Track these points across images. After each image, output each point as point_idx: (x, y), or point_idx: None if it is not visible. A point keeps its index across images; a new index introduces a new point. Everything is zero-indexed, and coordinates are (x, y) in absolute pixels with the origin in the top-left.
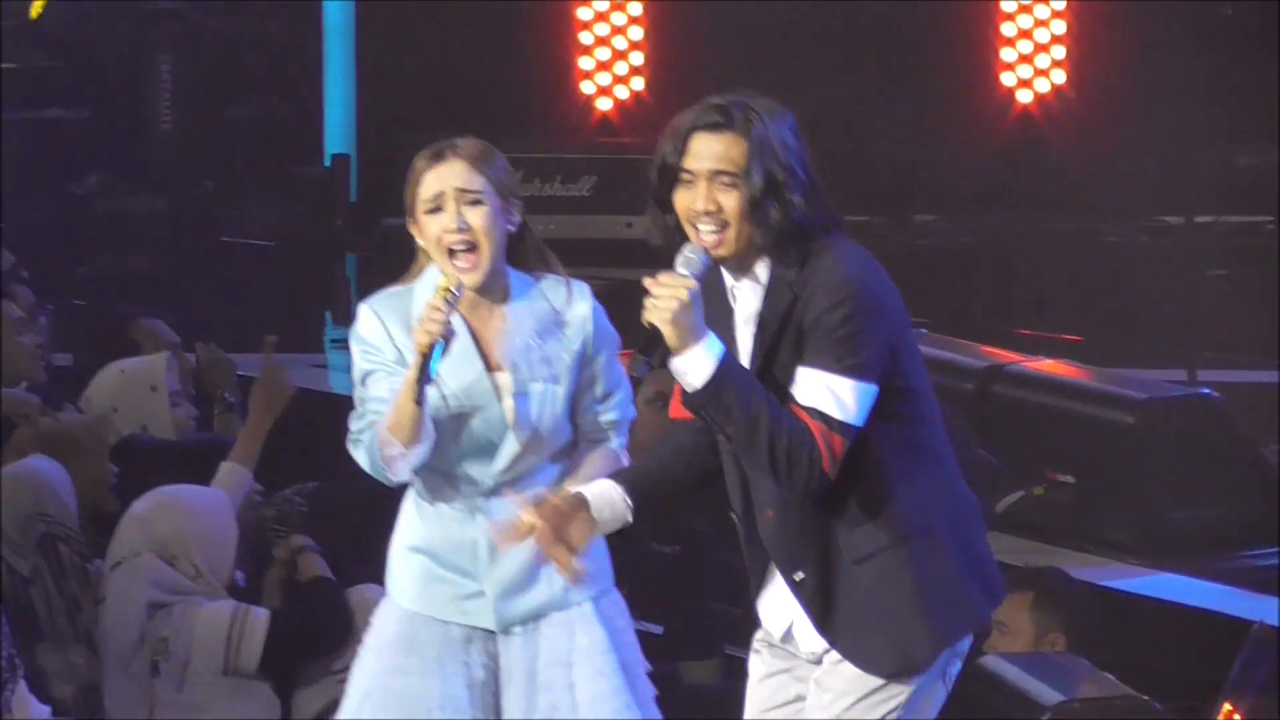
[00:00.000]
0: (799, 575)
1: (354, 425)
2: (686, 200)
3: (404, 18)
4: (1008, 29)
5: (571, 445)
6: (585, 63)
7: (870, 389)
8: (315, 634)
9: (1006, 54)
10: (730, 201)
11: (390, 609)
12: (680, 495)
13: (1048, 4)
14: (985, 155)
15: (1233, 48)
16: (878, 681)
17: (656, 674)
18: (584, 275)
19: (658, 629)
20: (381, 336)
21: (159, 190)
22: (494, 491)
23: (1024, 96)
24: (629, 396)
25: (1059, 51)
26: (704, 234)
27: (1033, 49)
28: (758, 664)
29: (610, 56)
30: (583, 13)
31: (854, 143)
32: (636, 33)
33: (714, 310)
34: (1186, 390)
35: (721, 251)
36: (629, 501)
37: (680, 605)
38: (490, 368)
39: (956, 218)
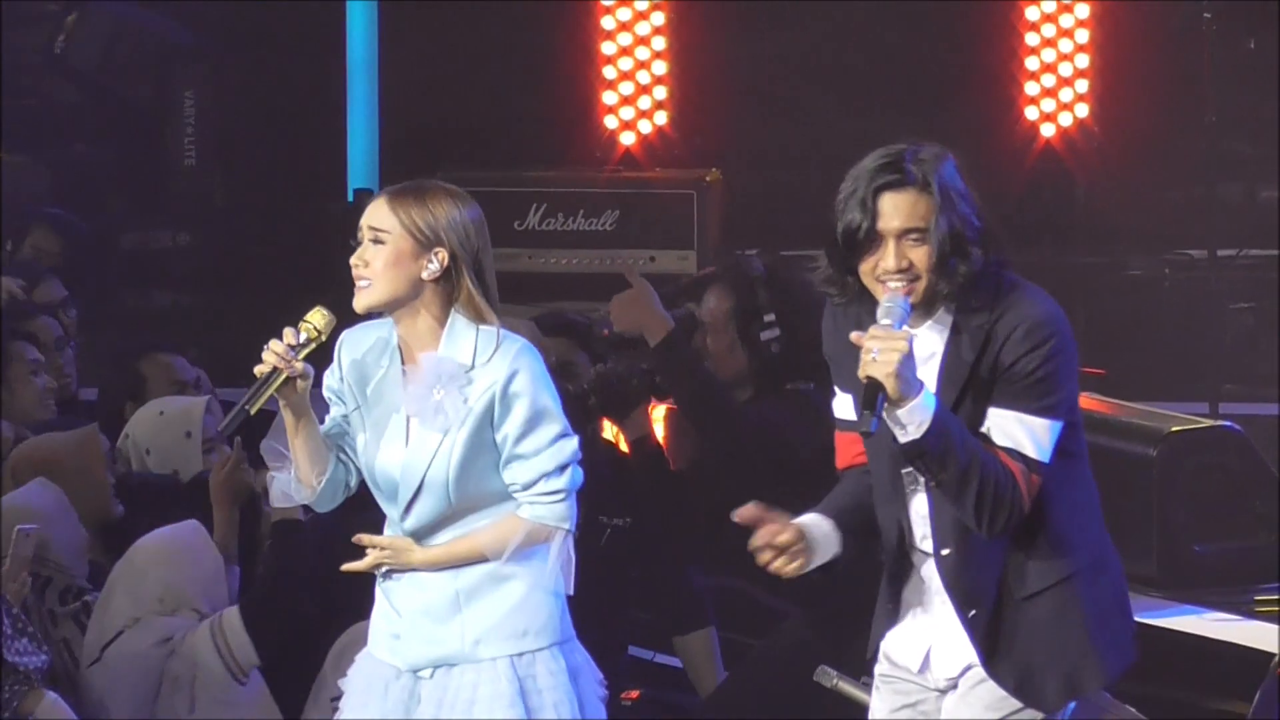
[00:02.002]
0: (973, 612)
1: None
2: (874, 259)
3: (427, 54)
4: (1031, 63)
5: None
6: (609, 97)
7: (1060, 426)
8: (284, 581)
9: (1030, 88)
10: (919, 256)
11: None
12: (866, 535)
13: (1072, 38)
14: (1008, 189)
15: (1256, 82)
16: (1016, 704)
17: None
18: (607, 311)
19: (677, 662)
20: (334, 365)
21: (182, 225)
22: (411, 536)
23: (1047, 130)
24: (553, 464)
25: (1082, 85)
26: (892, 287)
27: (1056, 83)
28: (881, 702)
29: (634, 91)
30: (606, 47)
31: None
32: (660, 68)
33: (849, 349)
34: (1209, 423)
35: (911, 301)
36: (838, 533)
37: (660, 581)
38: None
39: None
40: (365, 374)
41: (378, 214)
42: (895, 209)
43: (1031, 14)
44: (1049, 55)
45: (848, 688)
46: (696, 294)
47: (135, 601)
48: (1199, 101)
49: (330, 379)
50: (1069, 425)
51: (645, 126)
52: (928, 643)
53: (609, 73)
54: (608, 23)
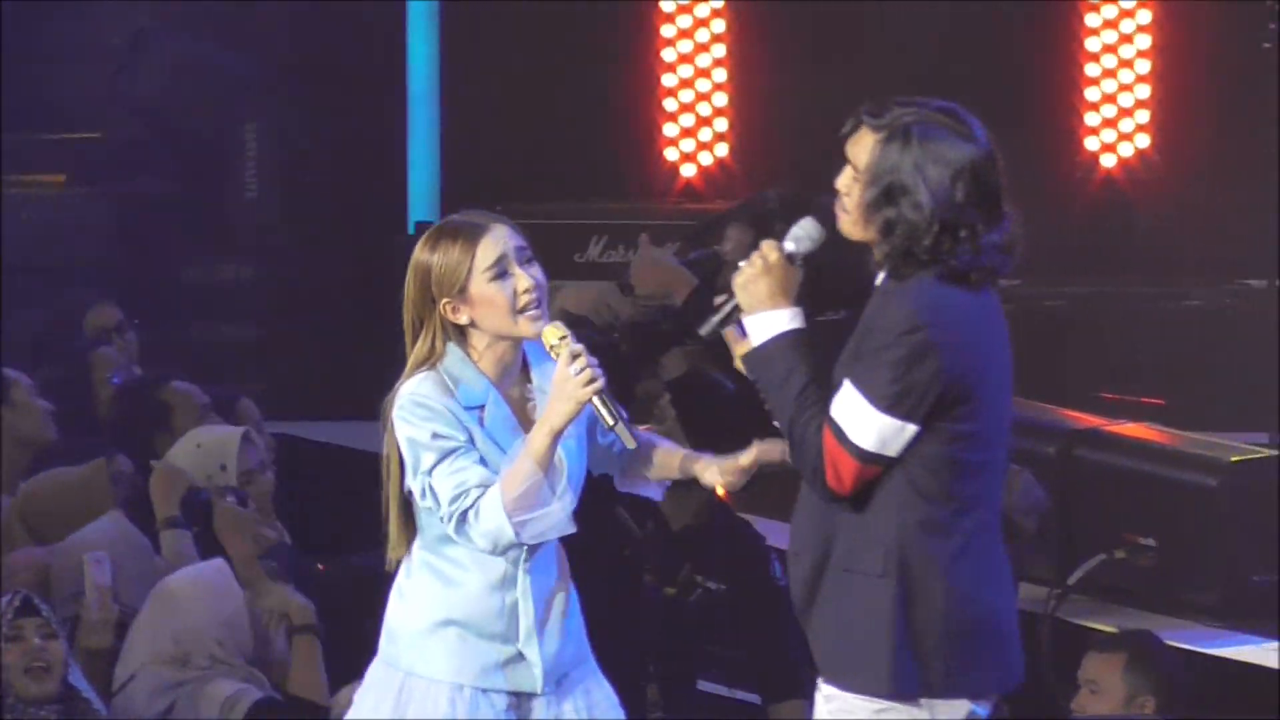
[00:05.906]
0: (800, 554)
1: (456, 504)
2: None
3: (488, 86)
4: (1091, 94)
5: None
6: (669, 129)
7: (900, 426)
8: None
9: (1090, 118)
10: (857, 193)
11: (429, 688)
12: None
13: (1132, 68)
14: (1069, 220)
15: None
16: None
17: None
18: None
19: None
20: (452, 422)
21: (245, 258)
22: (535, 551)
23: (1108, 161)
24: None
25: (1143, 116)
26: (837, 208)
27: (1117, 113)
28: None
29: (695, 123)
30: (666, 80)
31: None
32: (721, 100)
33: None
34: (1270, 454)
35: (848, 235)
36: None
37: (750, 643)
38: (528, 430)
39: (1040, 283)
40: (469, 415)
41: (515, 235)
42: (856, 140)
43: (1092, 45)
44: (1110, 86)
45: None
46: (718, 234)
47: (149, 646)
48: (1261, 131)
49: (461, 435)
50: (948, 435)
51: (706, 158)
52: None
53: (670, 105)
54: (668, 55)
